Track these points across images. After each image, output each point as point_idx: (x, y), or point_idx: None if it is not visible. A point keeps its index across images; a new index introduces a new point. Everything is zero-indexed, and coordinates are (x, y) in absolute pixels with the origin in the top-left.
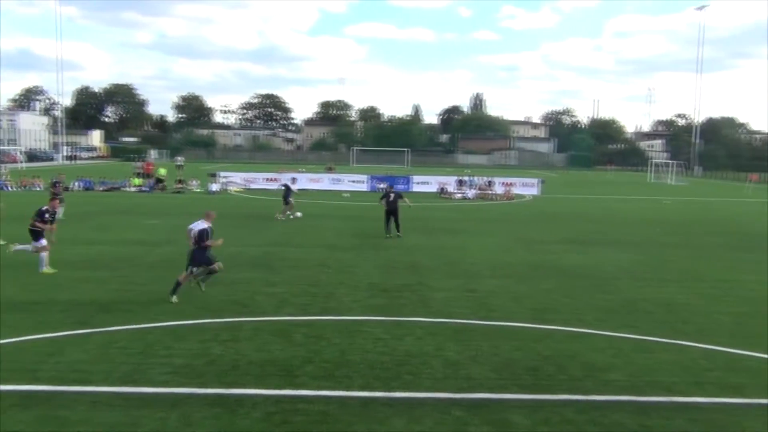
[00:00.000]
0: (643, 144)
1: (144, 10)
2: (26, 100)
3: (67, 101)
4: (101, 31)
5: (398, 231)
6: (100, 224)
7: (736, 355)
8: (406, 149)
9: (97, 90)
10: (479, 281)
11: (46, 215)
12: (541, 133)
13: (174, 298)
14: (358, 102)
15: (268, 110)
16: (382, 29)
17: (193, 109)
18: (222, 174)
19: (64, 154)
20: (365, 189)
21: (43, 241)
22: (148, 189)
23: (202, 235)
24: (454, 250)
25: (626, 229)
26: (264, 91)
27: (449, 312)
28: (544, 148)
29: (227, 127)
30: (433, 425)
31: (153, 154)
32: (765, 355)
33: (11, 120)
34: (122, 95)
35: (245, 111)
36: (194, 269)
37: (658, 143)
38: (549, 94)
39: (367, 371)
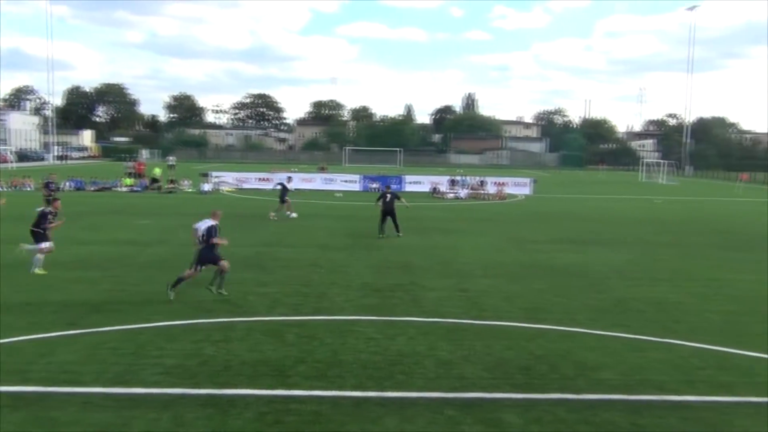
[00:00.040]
0: (635, 144)
1: (135, 9)
2: (16, 99)
3: (58, 101)
4: (92, 30)
5: (398, 231)
6: (91, 224)
7: (727, 353)
8: (398, 149)
9: (88, 90)
10: (472, 281)
11: (50, 216)
12: (533, 132)
13: (172, 294)
14: (350, 102)
15: (260, 110)
16: (374, 29)
17: (185, 109)
18: (214, 174)
19: (55, 154)
20: (358, 189)
21: (49, 243)
22: (139, 189)
23: (211, 231)
24: (446, 249)
25: (618, 229)
26: (256, 91)
27: (442, 312)
28: (536, 147)
29: (219, 127)
30: (425, 425)
31: (144, 154)
32: (755, 353)
33: (1, 120)
34: (113, 95)
35: (237, 111)
36: (201, 267)
37: (649, 143)
38: (541, 93)
39: (360, 371)
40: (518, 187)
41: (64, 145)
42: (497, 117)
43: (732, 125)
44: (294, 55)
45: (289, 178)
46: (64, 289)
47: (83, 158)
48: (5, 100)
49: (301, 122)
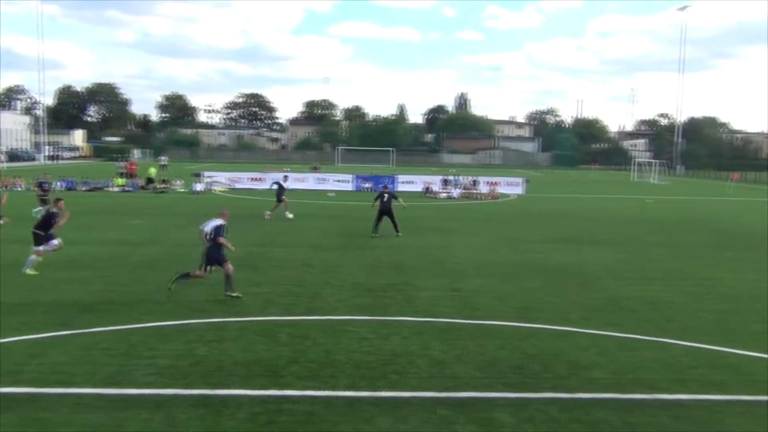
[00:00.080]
0: (627, 143)
1: (126, 8)
2: (7, 99)
3: (49, 100)
4: (83, 29)
5: (396, 231)
6: (82, 224)
7: (719, 352)
8: (391, 149)
9: (79, 89)
10: (464, 280)
11: (56, 217)
12: (526, 132)
13: (172, 286)
14: (343, 101)
15: (253, 110)
16: (367, 29)
17: (177, 109)
18: (206, 174)
19: (46, 153)
20: (350, 189)
21: (58, 240)
22: (131, 189)
23: (218, 230)
24: (439, 249)
25: (610, 228)
26: (248, 91)
27: (434, 311)
28: (529, 147)
29: (211, 127)
30: (418, 424)
31: (136, 153)
32: (747, 352)
33: None
34: (105, 94)
35: (229, 110)
36: (211, 268)
37: (641, 143)
38: (533, 93)
39: (353, 371)
40: (511, 186)
41: (56, 145)
42: (490, 117)
43: (723, 125)
44: (287, 54)
45: (286, 177)
46: (56, 289)
47: (74, 158)
48: None
49: (294, 122)
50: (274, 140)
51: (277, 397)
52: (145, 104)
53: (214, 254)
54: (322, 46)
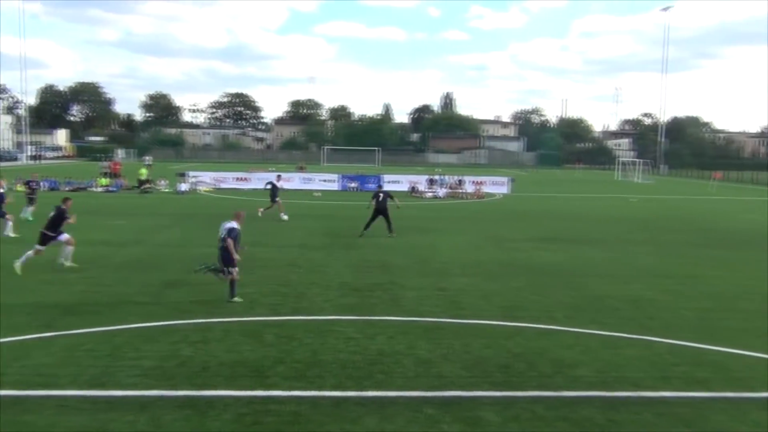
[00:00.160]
0: (611, 143)
1: (109, 7)
2: None
3: (31, 100)
4: (66, 28)
5: (390, 231)
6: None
7: (702, 349)
8: (377, 148)
9: (62, 88)
10: (450, 280)
11: (66, 216)
12: (511, 132)
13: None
14: (328, 101)
15: (238, 109)
16: (352, 28)
17: (161, 108)
18: (191, 173)
19: (29, 153)
20: (336, 188)
21: (66, 235)
22: (115, 189)
23: (230, 232)
24: (425, 248)
25: (594, 227)
26: (233, 90)
27: (421, 311)
28: (514, 146)
29: (196, 126)
30: (405, 424)
31: (120, 153)
32: (730, 350)
33: None
34: (88, 94)
35: (214, 110)
36: (231, 269)
37: (624, 142)
38: (518, 93)
39: (339, 371)
40: (496, 186)
41: (38, 145)
42: (475, 116)
43: (705, 125)
44: (272, 54)
45: (279, 177)
46: (39, 290)
47: (57, 158)
48: None
49: (279, 121)
50: (260, 140)
51: (263, 397)
52: (129, 104)
53: (225, 256)
54: (307, 46)
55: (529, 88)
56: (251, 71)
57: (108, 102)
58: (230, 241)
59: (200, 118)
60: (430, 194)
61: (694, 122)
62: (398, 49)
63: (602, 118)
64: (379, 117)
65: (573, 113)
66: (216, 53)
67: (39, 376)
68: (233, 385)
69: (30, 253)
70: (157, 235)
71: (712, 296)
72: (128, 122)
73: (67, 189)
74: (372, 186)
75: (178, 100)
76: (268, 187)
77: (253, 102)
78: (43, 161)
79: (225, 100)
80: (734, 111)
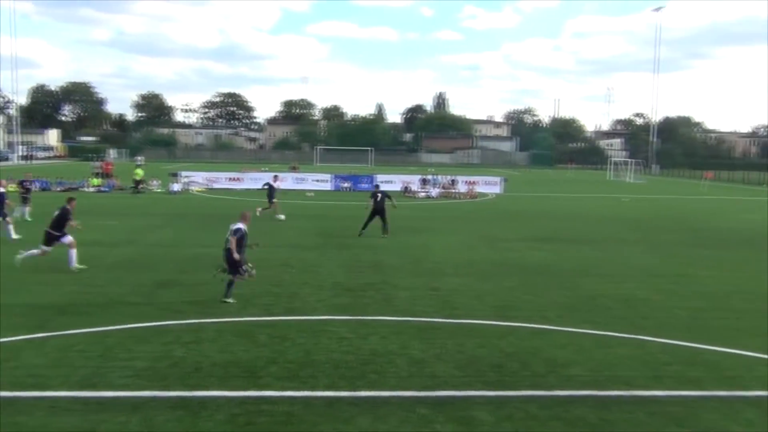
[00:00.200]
0: (603, 143)
1: (101, 6)
2: None
3: (22, 99)
4: (57, 27)
5: (384, 232)
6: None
7: (694, 349)
8: (369, 148)
9: (53, 88)
10: (443, 279)
11: (70, 215)
12: (504, 132)
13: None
14: (321, 101)
15: (230, 109)
16: (345, 28)
17: (154, 108)
18: (183, 174)
19: (20, 153)
20: (329, 188)
21: (70, 237)
22: (107, 189)
23: (235, 233)
24: (417, 248)
25: (587, 227)
26: (226, 90)
27: (413, 310)
28: (507, 146)
29: (188, 126)
30: (398, 423)
31: (112, 153)
32: (722, 349)
33: None
34: (80, 93)
35: (207, 110)
36: (247, 267)
37: (617, 142)
38: (511, 93)
39: (332, 371)
40: (489, 186)
41: (29, 145)
42: (468, 116)
43: (697, 125)
44: (264, 54)
45: (276, 177)
46: (30, 291)
47: (49, 158)
48: None
49: (272, 121)
50: (252, 140)
51: (256, 398)
52: (120, 103)
53: (228, 257)
54: (299, 46)
55: (521, 88)
56: (244, 71)
57: (100, 102)
58: (233, 240)
59: (193, 118)
60: (422, 194)
61: (685, 122)
62: (391, 48)
63: (594, 118)
64: (371, 117)
65: (565, 113)
66: (208, 53)
67: (30, 377)
68: (226, 386)
69: (36, 251)
70: (149, 236)
71: (704, 295)
72: (120, 122)
73: (58, 189)
74: (365, 186)
75: (171, 100)
76: (266, 187)
77: (246, 102)
78: (34, 161)
79: (217, 100)
80: (725, 111)
